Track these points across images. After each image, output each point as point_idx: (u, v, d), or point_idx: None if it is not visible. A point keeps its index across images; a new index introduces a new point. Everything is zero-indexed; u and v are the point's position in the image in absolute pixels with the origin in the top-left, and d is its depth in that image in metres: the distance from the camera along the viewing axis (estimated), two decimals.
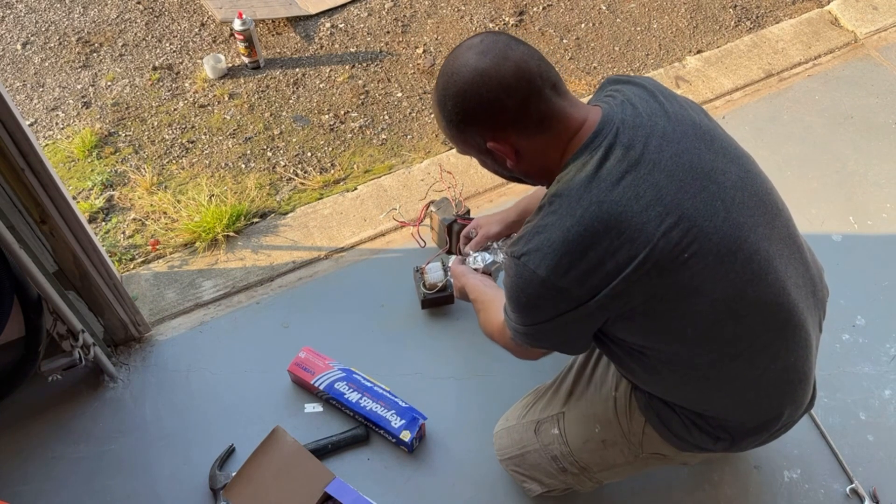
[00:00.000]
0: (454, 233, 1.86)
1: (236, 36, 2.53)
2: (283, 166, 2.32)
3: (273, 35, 2.77)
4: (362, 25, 2.80)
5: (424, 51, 2.71)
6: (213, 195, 2.18)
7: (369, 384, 1.70)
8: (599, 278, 1.00)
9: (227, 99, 2.52)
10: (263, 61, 2.63)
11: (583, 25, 2.82)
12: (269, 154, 2.36)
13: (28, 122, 2.46)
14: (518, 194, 2.17)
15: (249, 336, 1.87)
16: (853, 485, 1.61)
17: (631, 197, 0.99)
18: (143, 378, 1.79)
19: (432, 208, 1.93)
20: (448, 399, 1.75)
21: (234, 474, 1.59)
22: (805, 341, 1.14)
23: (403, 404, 1.67)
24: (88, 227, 1.54)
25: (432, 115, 2.49)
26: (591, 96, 1.21)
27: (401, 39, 2.76)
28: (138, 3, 2.91)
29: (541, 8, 2.89)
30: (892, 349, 1.84)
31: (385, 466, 1.65)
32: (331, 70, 2.63)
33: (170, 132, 2.42)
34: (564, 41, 2.76)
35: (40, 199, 1.36)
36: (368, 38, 2.75)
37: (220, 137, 2.40)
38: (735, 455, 1.65)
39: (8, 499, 1.59)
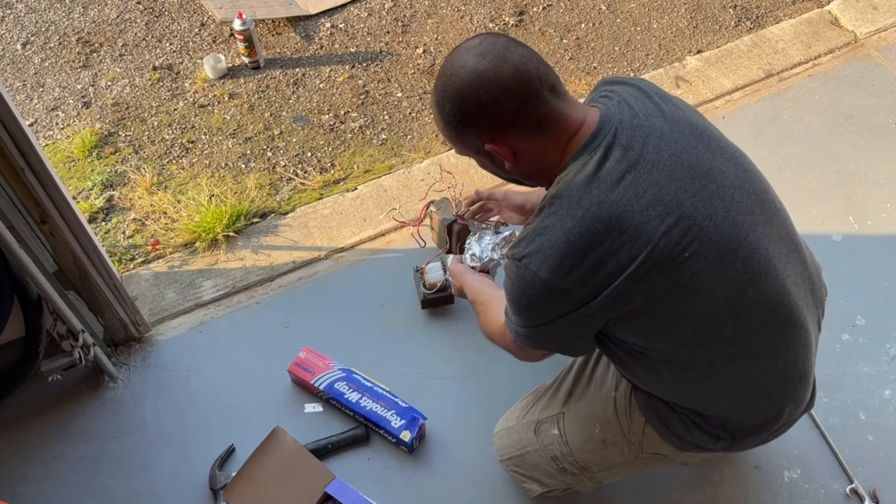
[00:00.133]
0: (454, 233, 1.86)
1: (236, 36, 2.53)
2: (283, 166, 2.32)
3: (273, 35, 2.77)
4: (362, 25, 2.80)
5: (424, 51, 2.71)
6: (213, 195, 2.18)
7: (369, 384, 1.70)
8: (601, 279, 1.00)
9: (227, 99, 2.52)
10: (263, 61, 2.63)
11: (583, 25, 2.82)
12: (269, 154, 2.36)
13: (28, 122, 2.46)
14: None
15: (249, 336, 1.87)
16: (853, 485, 1.61)
17: (631, 197, 0.99)
18: (143, 378, 1.79)
19: (432, 208, 1.93)
20: (448, 399, 1.75)
21: (234, 474, 1.59)
22: (805, 340, 1.14)
23: (403, 404, 1.67)
24: (88, 227, 1.54)
25: (432, 116, 2.48)
26: (585, 98, 1.21)
27: (401, 39, 2.76)
28: (138, 3, 2.91)
29: (541, 8, 2.89)
30: (892, 349, 1.84)
31: (385, 466, 1.65)
32: (331, 70, 2.63)
33: (170, 132, 2.42)
34: (564, 41, 2.76)
35: (40, 199, 1.36)
36: (368, 38, 2.75)
37: (220, 137, 2.40)
38: (735, 455, 1.65)
39: (8, 499, 1.59)
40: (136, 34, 2.78)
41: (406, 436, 1.61)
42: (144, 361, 1.82)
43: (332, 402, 1.71)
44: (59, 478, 1.63)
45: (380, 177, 2.26)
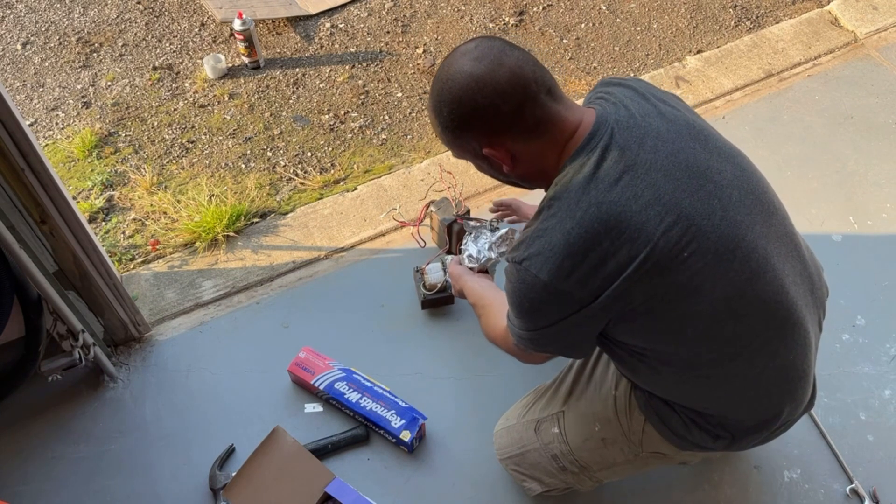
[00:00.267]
0: (454, 233, 1.86)
1: (236, 36, 2.53)
2: (283, 166, 2.32)
3: (273, 35, 2.77)
4: (362, 25, 2.80)
5: (424, 51, 2.71)
6: (213, 195, 2.18)
7: (369, 384, 1.70)
8: (601, 279, 1.00)
9: (227, 99, 2.53)
10: (263, 61, 2.63)
11: (583, 25, 2.82)
12: (269, 154, 2.36)
13: (28, 122, 2.46)
14: (518, 194, 2.17)
15: (249, 336, 1.87)
16: (853, 485, 1.61)
17: (629, 197, 0.99)
18: (143, 378, 1.79)
19: (432, 208, 1.93)
20: (448, 399, 1.75)
21: (234, 474, 1.59)
22: (804, 339, 1.14)
23: (403, 404, 1.67)
24: (88, 227, 1.54)
25: (429, 120, 2.48)
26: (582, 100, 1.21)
27: (401, 39, 2.76)
28: (138, 3, 2.91)
29: (541, 8, 2.89)
30: (892, 349, 1.84)
31: (385, 466, 1.65)
32: (331, 70, 2.63)
33: (170, 132, 2.42)
34: (564, 41, 2.76)
35: (40, 199, 1.36)
36: (368, 38, 2.75)
37: (220, 137, 2.40)
38: (735, 455, 1.65)
39: (8, 499, 1.59)
40: (136, 34, 2.78)
41: (406, 436, 1.61)
42: (144, 361, 1.82)
43: (332, 402, 1.71)
44: (59, 478, 1.63)
45: (380, 177, 2.26)
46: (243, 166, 2.31)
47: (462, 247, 1.70)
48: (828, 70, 2.57)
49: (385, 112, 2.49)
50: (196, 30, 2.79)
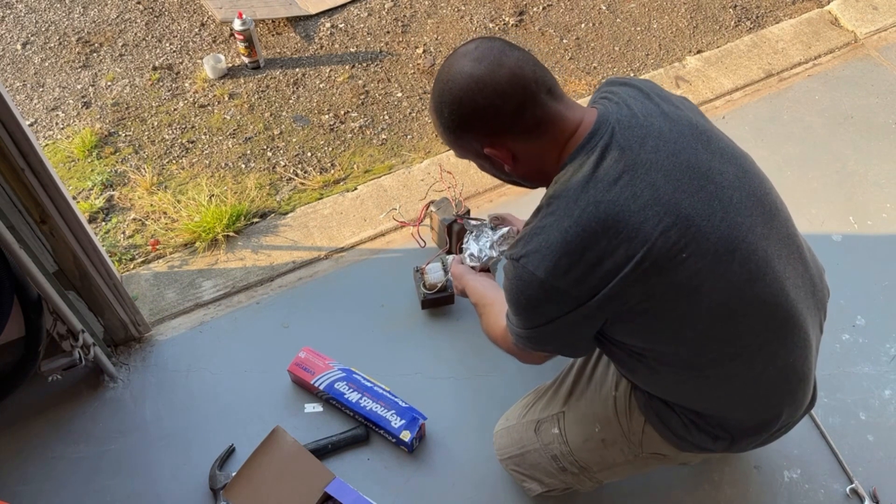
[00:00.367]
0: (454, 233, 1.86)
1: (236, 36, 2.53)
2: (283, 166, 2.32)
3: (273, 35, 2.77)
4: (362, 25, 2.80)
5: (424, 51, 2.71)
6: (213, 195, 2.18)
7: (369, 384, 1.70)
8: (598, 278, 1.00)
9: (227, 99, 2.52)
10: (263, 61, 2.63)
11: (583, 25, 2.82)
12: (269, 154, 2.36)
13: (28, 122, 2.46)
14: (519, 195, 2.17)
15: (249, 336, 1.87)
16: (853, 485, 1.61)
17: (628, 197, 0.99)
18: (143, 378, 1.79)
19: (432, 208, 1.93)
20: (448, 399, 1.75)
21: (234, 474, 1.59)
22: (804, 342, 1.14)
23: (403, 404, 1.67)
24: (88, 227, 1.54)
25: (431, 120, 2.48)
26: (587, 99, 1.21)
27: (401, 39, 2.76)
28: (138, 3, 2.91)
29: (541, 8, 2.89)
30: (892, 349, 1.84)
31: (385, 466, 1.65)
32: (331, 70, 2.63)
33: (170, 132, 2.42)
34: (564, 41, 2.76)
35: (40, 199, 1.36)
36: (368, 38, 2.75)
37: (220, 137, 2.40)
38: (735, 455, 1.65)
39: (8, 499, 1.59)
40: (136, 34, 2.78)
41: (406, 436, 1.61)
42: (144, 361, 1.82)
43: (332, 402, 1.71)
44: (59, 478, 1.63)
45: (380, 177, 2.26)
46: (243, 166, 2.31)
47: (463, 245, 1.70)
48: (828, 70, 2.57)
49: (385, 112, 2.49)
50: (196, 30, 2.79)
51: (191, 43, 2.74)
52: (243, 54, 2.58)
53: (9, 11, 2.87)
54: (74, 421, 1.71)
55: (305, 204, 2.18)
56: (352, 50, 2.70)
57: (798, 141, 2.34)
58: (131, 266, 2.03)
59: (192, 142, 2.39)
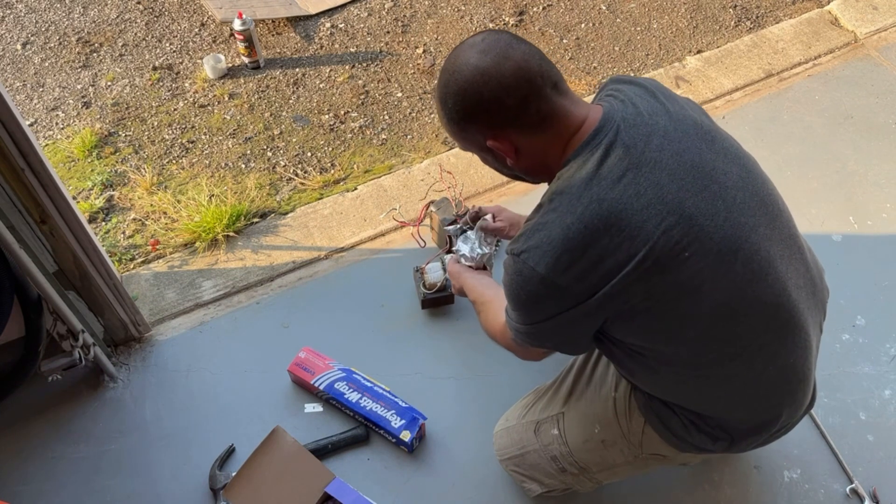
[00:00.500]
0: (454, 233, 1.86)
1: (236, 36, 2.53)
2: (283, 166, 2.32)
3: (273, 35, 2.77)
4: (362, 25, 2.80)
5: (424, 51, 2.71)
6: (213, 195, 2.18)
7: (369, 384, 1.70)
8: (599, 276, 1.00)
9: (227, 99, 2.52)
10: (263, 61, 2.63)
11: (583, 25, 2.82)
12: (269, 154, 2.36)
13: (28, 122, 2.46)
14: (519, 194, 2.17)
15: (249, 336, 1.87)
16: (853, 485, 1.61)
17: (632, 195, 0.98)
18: (143, 378, 1.79)
19: (432, 208, 1.93)
20: (448, 399, 1.75)
21: (234, 474, 1.59)
22: (805, 342, 1.13)
23: (403, 404, 1.67)
24: (88, 227, 1.54)
25: (432, 116, 2.49)
26: (592, 96, 1.21)
27: (401, 39, 2.76)
28: (138, 3, 2.91)
29: (541, 8, 2.89)
30: (892, 349, 1.84)
31: (385, 466, 1.65)
32: (331, 70, 2.63)
33: (170, 132, 2.42)
34: (564, 41, 2.76)
35: (40, 199, 1.36)
36: (368, 38, 2.75)
37: (220, 137, 2.40)
38: (735, 455, 1.65)
39: (8, 499, 1.59)
40: (136, 34, 2.78)
41: (406, 436, 1.61)
42: (144, 361, 1.82)
43: (332, 402, 1.71)
44: (59, 478, 1.63)
45: (380, 177, 2.26)
46: (243, 166, 2.31)
47: (454, 249, 1.70)
48: (828, 70, 2.57)
49: (385, 112, 2.49)
50: (196, 30, 2.79)
51: (191, 43, 2.74)
52: (243, 54, 2.58)
53: (9, 11, 2.87)
54: (74, 421, 1.71)
55: (305, 204, 2.18)
56: (352, 50, 2.70)
57: (798, 141, 2.34)
58: (131, 266, 2.03)
59: (192, 142, 2.39)
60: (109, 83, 2.59)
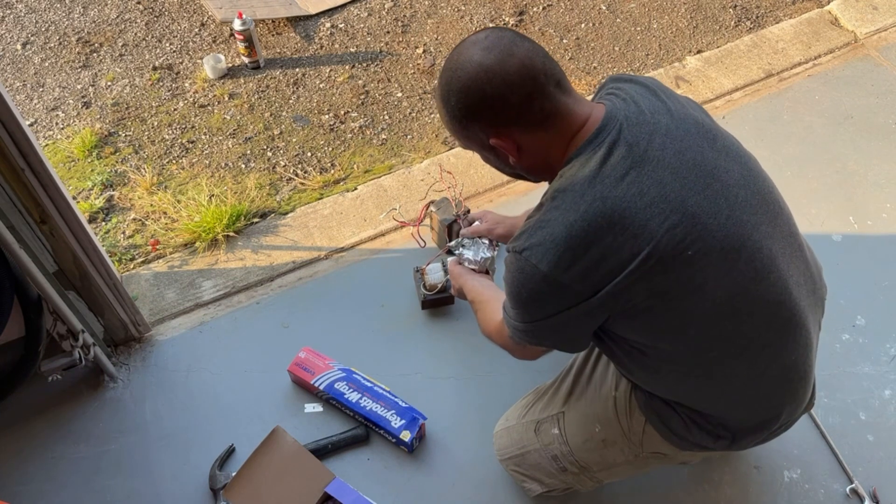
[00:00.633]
0: (454, 233, 1.86)
1: (236, 36, 2.53)
2: (283, 166, 2.32)
3: (273, 35, 2.77)
4: (362, 25, 2.80)
5: (424, 51, 2.71)
6: (213, 195, 2.18)
7: (369, 384, 1.70)
8: (601, 275, 1.00)
9: (227, 99, 2.52)
10: (263, 61, 2.63)
11: (583, 25, 2.82)
12: (269, 154, 2.36)
13: (28, 122, 2.46)
14: (519, 195, 2.17)
15: (249, 336, 1.87)
16: (853, 485, 1.61)
17: (635, 193, 0.98)
18: (143, 378, 1.79)
19: (432, 208, 1.93)
20: (448, 399, 1.75)
21: (234, 474, 1.59)
22: (806, 340, 1.14)
23: (403, 404, 1.67)
24: (88, 227, 1.54)
25: (432, 115, 2.49)
26: (591, 96, 1.21)
27: (401, 39, 2.76)
28: (138, 3, 2.91)
29: (541, 8, 2.89)
30: (892, 349, 1.84)
31: (385, 466, 1.65)
32: (331, 70, 2.63)
33: (170, 132, 2.42)
34: (564, 41, 2.76)
35: (40, 199, 1.36)
36: (368, 38, 2.75)
37: (220, 137, 2.40)
38: (735, 455, 1.65)
39: (8, 499, 1.59)
40: (136, 34, 2.78)
41: (406, 436, 1.61)
42: (144, 361, 1.82)
43: (332, 402, 1.71)
44: (59, 478, 1.63)
45: (380, 177, 2.26)
46: (243, 166, 2.31)
47: (456, 252, 1.70)
48: (828, 70, 2.57)
49: (385, 112, 2.49)
50: (196, 30, 2.79)
51: (191, 43, 2.74)
52: (243, 54, 2.58)
53: (9, 11, 2.87)
54: (74, 421, 1.71)
55: (305, 204, 2.18)
56: (352, 50, 2.70)
57: (798, 141, 2.34)
58: (131, 266, 2.03)
59: (192, 142, 2.39)
60: (109, 83, 2.59)
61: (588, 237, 0.98)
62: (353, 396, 1.68)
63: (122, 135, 2.42)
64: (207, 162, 2.33)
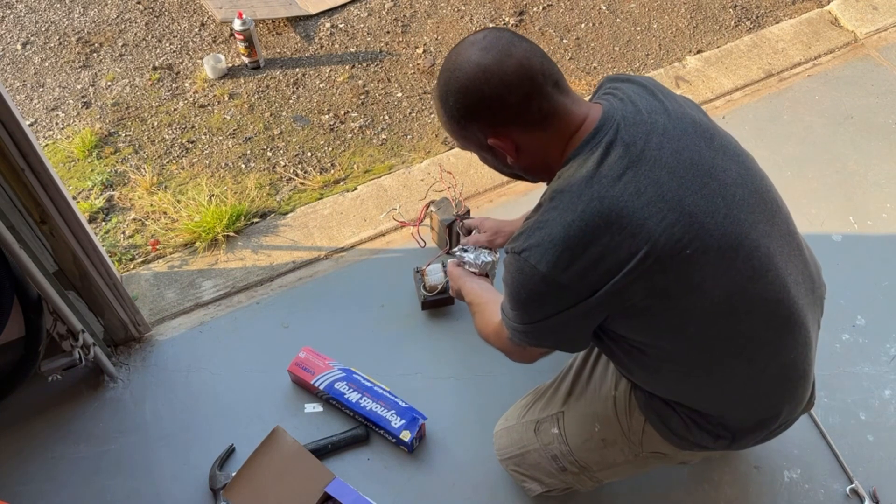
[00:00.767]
0: (454, 233, 1.86)
1: (236, 36, 2.53)
2: (283, 166, 2.32)
3: (273, 35, 2.77)
4: (362, 25, 2.80)
5: (424, 51, 2.71)
6: (213, 195, 2.18)
7: (369, 384, 1.70)
8: (600, 274, 1.00)
9: (227, 99, 2.52)
10: (263, 61, 2.63)
11: (583, 25, 2.82)
12: (269, 154, 2.36)
13: (28, 122, 2.46)
14: (518, 195, 2.17)
15: (249, 336, 1.87)
16: (853, 485, 1.61)
17: (632, 193, 0.99)
18: (143, 378, 1.79)
19: (432, 208, 1.93)
20: (448, 399, 1.75)
21: (234, 474, 1.59)
22: (805, 339, 1.14)
23: (403, 404, 1.67)
24: (88, 227, 1.54)
25: (432, 115, 2.49)
26: (590, 95, 1.21)
27: (401, 39, 2.76)
28: (138, 3, 2.91)
29: (541, 8, 2.89)
30: (892, 349, 1.84)
31: (385, 466, 1.65)
32: (331, 70, 2.63)
33: (170, 132, 2.42)
34: (564, 41, 2.76)
35: (40, 199, 1.36)
36: (368, 38, 2.75)
37: (220, 137, 2.40)
38: (735, 455, 1.65)
39: (8, 499, 1.59)
40: (136, 34, 2.78)
41: (406, 436, 1.61)
42: (144, 361, 1.82)
43: (332, 402, 1.71)
44: (60, 478, 1.63)
45: (380, 177, 2.26)
46: (243, 166, 2.31)
47: (457, 255, 1.70)
48: (828, 70, 2.57)
49: (385, 112, 2.49)
50: (196, 30, 2.79)
51: (191, 43, 2.74)
52: (243, 54, 2.58)
53: (9, 11, 2.87)
54: (74, 421, 1.71)
55: (305, 204, 2.18)
56: (352, 50, 2.70)
57: (798, 141, 2.34)
58: (131, 266, 2.03)
59: (192, 142, 2.39)
60: (109, 83, 2.59)
61: (586, 237, 0.98)
62: (353, 396, 1.68)
63: (122, 135, 2.42)
64: (207, 162, 2.33)
